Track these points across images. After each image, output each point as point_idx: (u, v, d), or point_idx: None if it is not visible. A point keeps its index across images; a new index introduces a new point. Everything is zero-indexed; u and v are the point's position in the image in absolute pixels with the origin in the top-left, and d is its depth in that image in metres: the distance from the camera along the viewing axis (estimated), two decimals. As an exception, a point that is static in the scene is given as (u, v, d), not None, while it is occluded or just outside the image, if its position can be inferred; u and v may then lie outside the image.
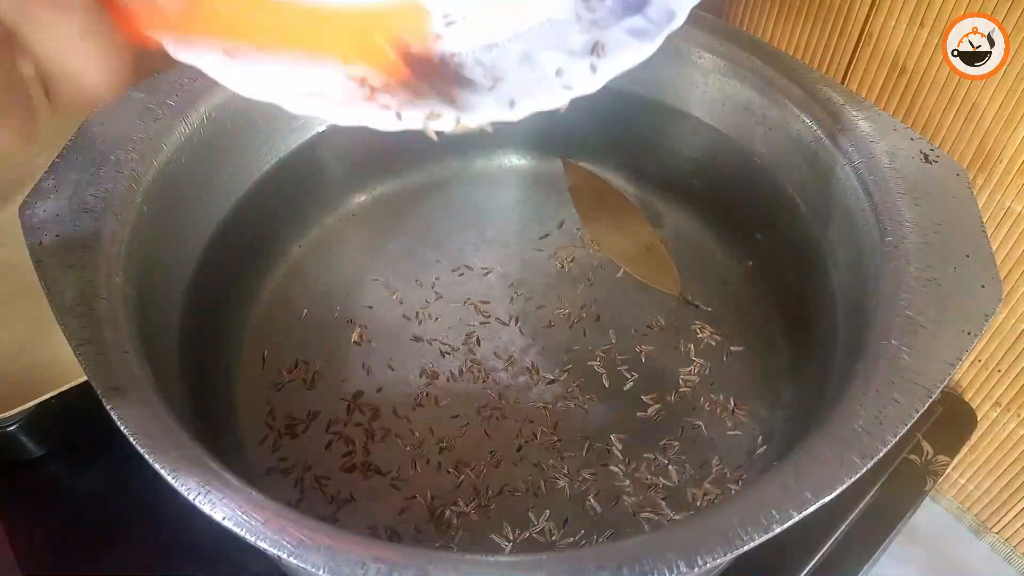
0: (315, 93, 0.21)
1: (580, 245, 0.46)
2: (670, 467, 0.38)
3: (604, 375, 0.41)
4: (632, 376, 0.41)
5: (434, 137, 0.21)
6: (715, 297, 0.44)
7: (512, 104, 0.21)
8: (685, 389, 0.41)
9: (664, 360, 0.42)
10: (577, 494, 0.37)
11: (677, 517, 0.36)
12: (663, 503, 0.37)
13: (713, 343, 0.42)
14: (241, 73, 0.20)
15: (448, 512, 0.36)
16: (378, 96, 0.21)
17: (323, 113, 0.21)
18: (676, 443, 0.39)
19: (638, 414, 0.40)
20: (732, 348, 0.42)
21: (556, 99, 0.21)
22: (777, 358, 0.42)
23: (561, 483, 0.37)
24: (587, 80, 0.21)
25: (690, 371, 0.41)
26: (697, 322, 0.43)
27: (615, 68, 0.21)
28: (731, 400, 0.40)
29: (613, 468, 0.38)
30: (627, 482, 0.37)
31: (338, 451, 0.38)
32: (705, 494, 0.37)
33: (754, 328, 0.43)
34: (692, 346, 0.42)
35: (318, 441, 0.39)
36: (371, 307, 0.44)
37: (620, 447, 0.38)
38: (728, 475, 0.38)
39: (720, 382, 0.41)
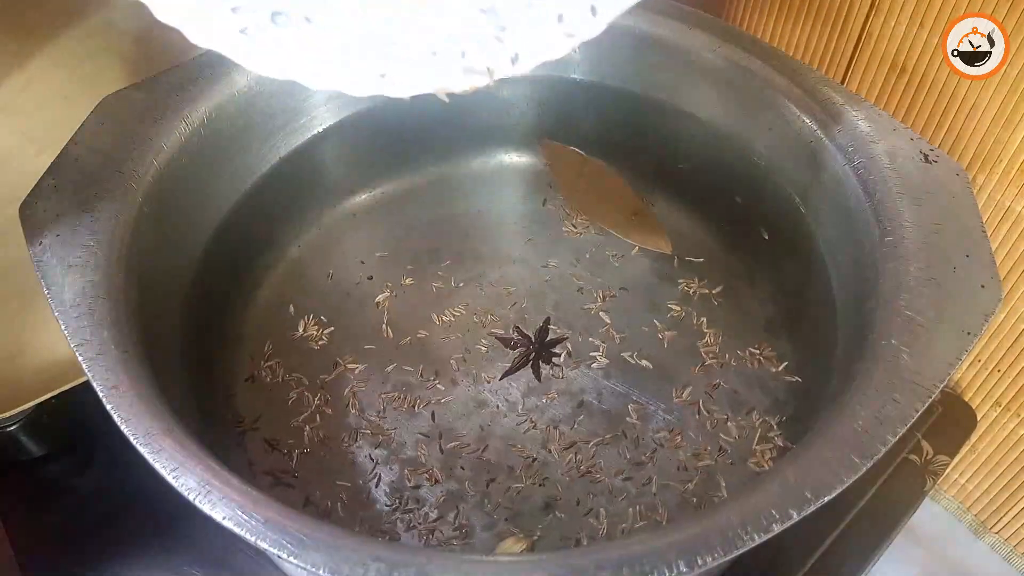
0: (330, 68, 0.21)
1: (580, 236, 0.46)
2: (729, 424, 0.38)
3: (620, 360, 0.41)
4: (654, 359, 0.41)
5: (444, 99, 0.21)
6: (716, 294, 0.44)
7: (515, 59, 0.21)
8: (711, 362, 0.41)
9: (682, 339, 0.43)
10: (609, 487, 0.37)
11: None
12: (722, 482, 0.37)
13: (718, 304, 0.43)
14: (257, 52, 0.20)
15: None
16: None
17: (338, 86, 0.21)
18: (717, 408, 0.39)
19: (672, 399, 0.40)
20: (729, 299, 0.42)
21: (559, 48, 0.21)
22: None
23: (561, 467, 0.37)
24: (588, 24, 0.21)
25: (706, 341, 0.42)
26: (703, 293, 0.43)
27: (615, 9, 0.21)
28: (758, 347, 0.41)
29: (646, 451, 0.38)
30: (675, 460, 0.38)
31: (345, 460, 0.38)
32: (761, 458, 0.38)
33: (756, 321, 0.43)
34: (705, 318, 0.43)
35: (313, 443, 0.39)
36: (372, 305, 0.44)
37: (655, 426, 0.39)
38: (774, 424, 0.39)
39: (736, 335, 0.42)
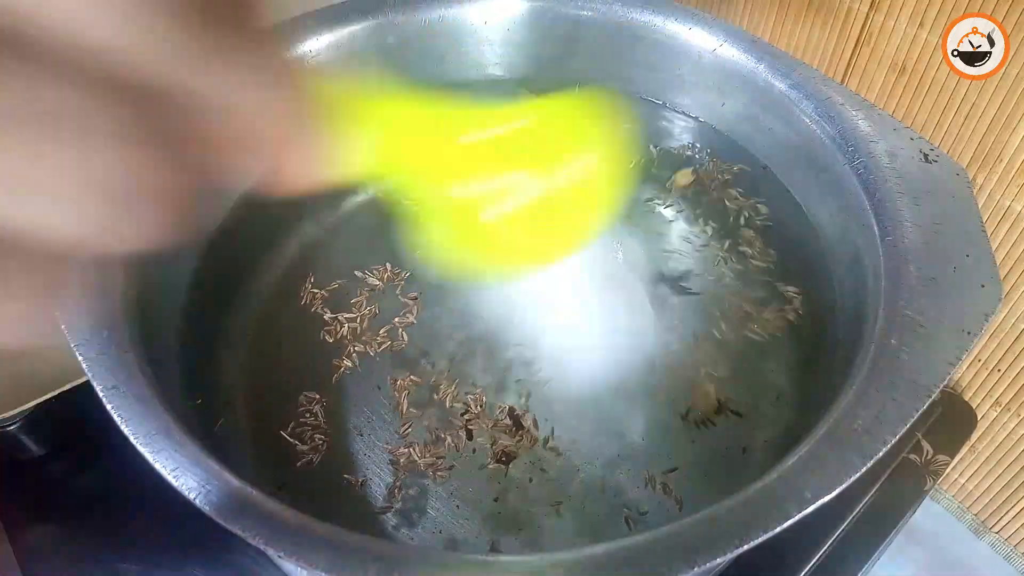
0: None
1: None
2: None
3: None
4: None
5: None
6: (716, 294, 0.44)
7: None
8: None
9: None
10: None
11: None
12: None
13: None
14: None
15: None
16: None
17: None
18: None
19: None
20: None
21: None
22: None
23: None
24: None
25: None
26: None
27: None
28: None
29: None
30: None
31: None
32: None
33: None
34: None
35: (318, 438, 0.39)
36: (372, 301, 0.43)
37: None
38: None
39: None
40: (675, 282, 0.44)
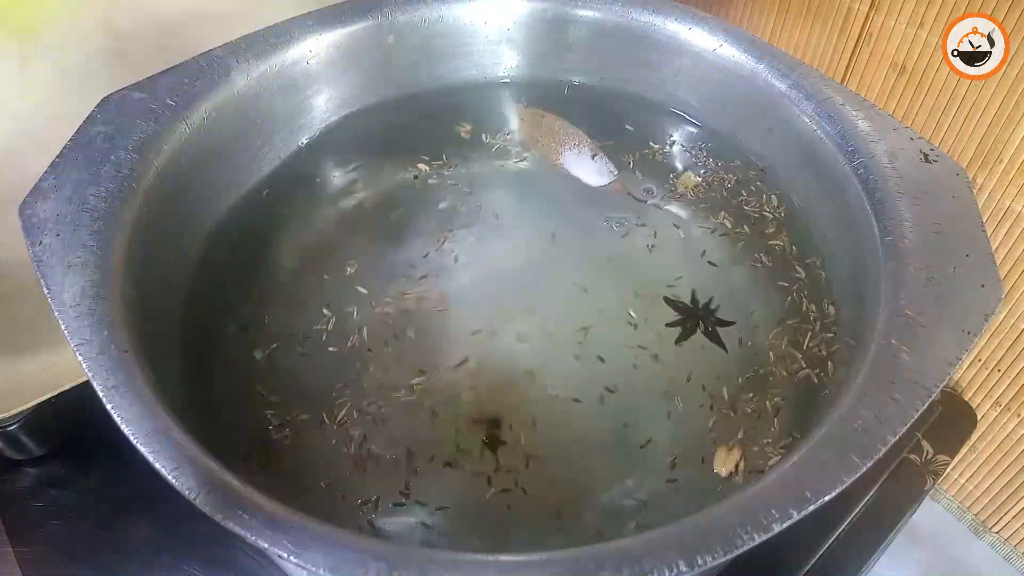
0: None
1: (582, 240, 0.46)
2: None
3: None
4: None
5: None
6: (716, 293, 0.44)
7: None
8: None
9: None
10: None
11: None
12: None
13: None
14: None
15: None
16: None
17: None
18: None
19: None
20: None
21: None
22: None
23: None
24: None
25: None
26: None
27: None
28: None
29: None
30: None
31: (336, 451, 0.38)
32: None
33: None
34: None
35: (315, 439, 0.39)
36: (373, 303, 0.43)
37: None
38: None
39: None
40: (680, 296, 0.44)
